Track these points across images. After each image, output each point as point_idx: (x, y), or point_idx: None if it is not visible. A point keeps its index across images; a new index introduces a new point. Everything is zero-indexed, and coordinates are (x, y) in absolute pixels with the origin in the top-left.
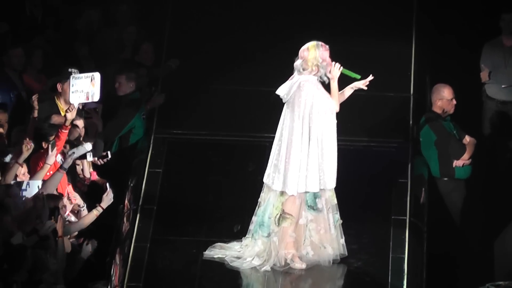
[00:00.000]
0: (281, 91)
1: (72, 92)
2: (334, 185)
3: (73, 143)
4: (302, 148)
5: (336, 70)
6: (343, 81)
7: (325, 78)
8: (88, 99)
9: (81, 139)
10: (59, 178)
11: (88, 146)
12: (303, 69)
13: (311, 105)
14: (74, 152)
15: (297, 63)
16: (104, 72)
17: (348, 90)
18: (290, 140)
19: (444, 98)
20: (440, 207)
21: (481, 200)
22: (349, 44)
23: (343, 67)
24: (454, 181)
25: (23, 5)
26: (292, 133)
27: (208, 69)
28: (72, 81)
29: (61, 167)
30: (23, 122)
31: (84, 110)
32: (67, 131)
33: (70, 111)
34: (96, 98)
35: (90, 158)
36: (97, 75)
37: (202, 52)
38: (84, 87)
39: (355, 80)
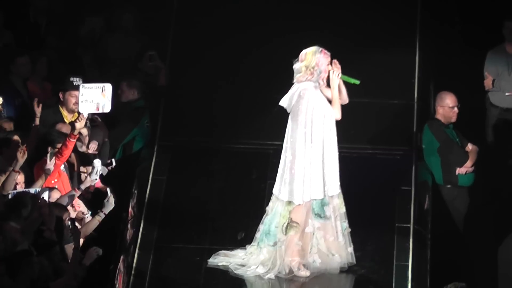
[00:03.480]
0: (284, 102)
1: (82, 102)
2: (337, 191)
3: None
4: (306, 156)
5: (335, 77)
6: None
7: (320, 83)
8: (98, 109)
9: (85, 146)
10: (73, 197)
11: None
12: (299, 72)
13: (311, 113)
14: (96, 178)
15: (295, 66)
16: (108, 79)
17: (343, 87)
18: (294, 149)
19: (445, 105)
20: (444, 214)
21: (485, 207)
22: (353, 51)
23: (344, 74)
24: (458, 189)
25: (27, 12)
26: (296, 142)
27: (211, 76)
28: (81, 90)
29: (78, 188)
30: (28, 129)
31: (89, 119)
32: (75, 140)
33: (79, 121)
34: (107, 109)
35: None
36: (108, 86)
37: (205, 59)
38: (94, 97)
39: (355, 85)
